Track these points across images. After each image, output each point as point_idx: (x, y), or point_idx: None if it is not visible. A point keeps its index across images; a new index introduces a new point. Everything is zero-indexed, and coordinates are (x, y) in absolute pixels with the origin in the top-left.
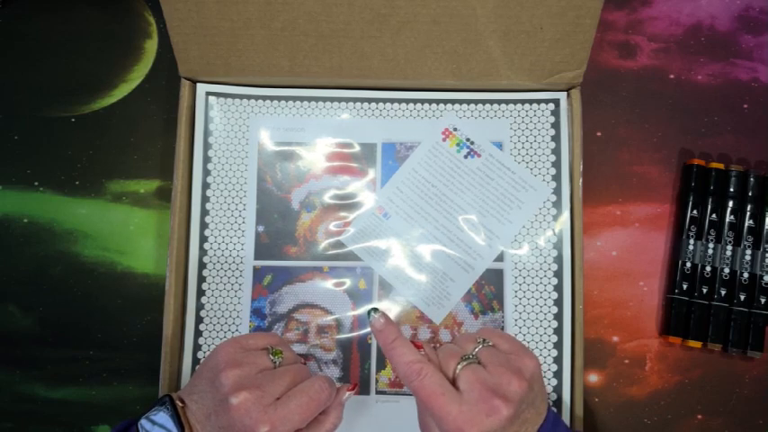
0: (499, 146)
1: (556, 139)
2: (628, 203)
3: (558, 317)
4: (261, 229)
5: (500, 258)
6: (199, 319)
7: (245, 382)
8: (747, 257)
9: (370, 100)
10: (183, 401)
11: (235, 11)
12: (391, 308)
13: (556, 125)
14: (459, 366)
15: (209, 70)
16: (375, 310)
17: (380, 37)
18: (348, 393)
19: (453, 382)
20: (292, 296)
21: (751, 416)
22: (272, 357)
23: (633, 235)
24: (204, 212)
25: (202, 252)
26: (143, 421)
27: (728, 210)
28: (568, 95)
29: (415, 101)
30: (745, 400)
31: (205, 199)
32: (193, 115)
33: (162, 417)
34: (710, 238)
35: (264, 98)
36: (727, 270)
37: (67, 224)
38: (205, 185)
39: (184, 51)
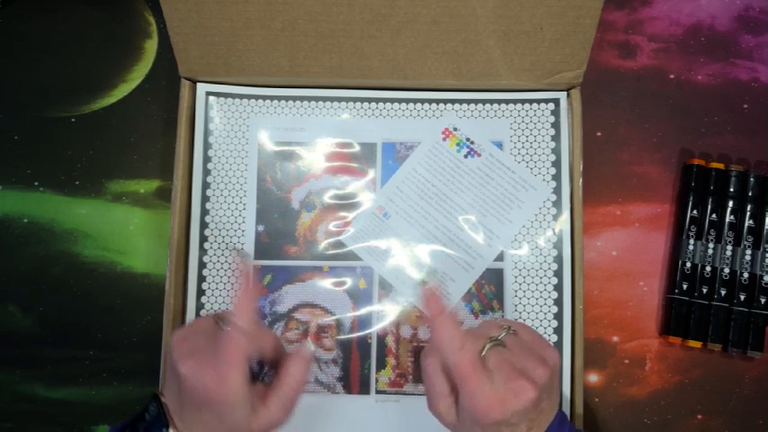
0: (499, 146)
1: (556, 138)
2: (628, 203)
3: (558, 317)
4: (261, 228)
5: (500, 258)
6: None
7: (190, 351)
8: (747, 257)
9: (370, 100)
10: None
11: (235, 11)
12: (391, 308)
13: (556, 125)
14: (487, 347)
15: (209, 70)
16: (425, 280)
17: (380, 37)
18: (307, 343)
19: None
20: (292, 296)
21: (751, 416)
22: (218, 324)
23: (633, 235)
24: (204, 212)
25: (202, 252)
26: (135, 425)
27: (728, 210)
28: (568, 95)
29: (415, 101)
30: (745, 400)
31: (205, 199)
32: (193, 115)
33: (149, 417)
34: (710, 238)
35: (264, 98)
36: (727, 270)
37: (67, 224)
38: (205, 185)
39: (184, 51)
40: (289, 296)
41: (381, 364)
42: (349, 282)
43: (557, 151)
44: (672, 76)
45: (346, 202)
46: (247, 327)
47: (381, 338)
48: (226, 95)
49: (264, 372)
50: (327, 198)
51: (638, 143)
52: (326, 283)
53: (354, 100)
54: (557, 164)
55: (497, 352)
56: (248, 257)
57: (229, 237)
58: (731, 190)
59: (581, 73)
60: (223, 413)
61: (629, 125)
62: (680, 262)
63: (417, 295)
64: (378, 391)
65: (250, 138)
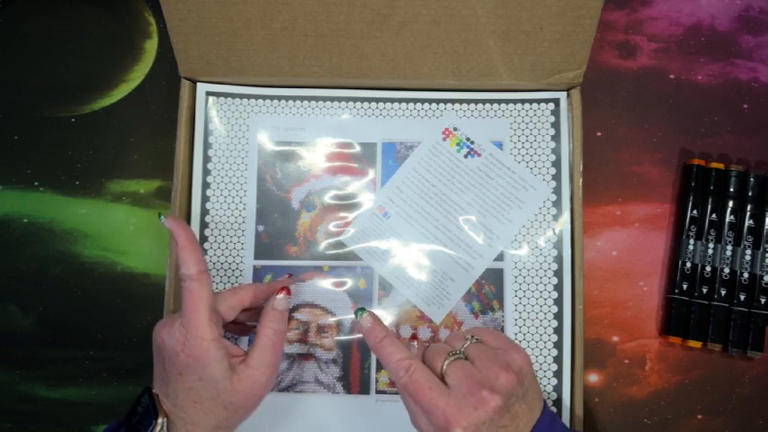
0: (499, 145)
1: (556, 138)
2: (628, 203)
3: (558, 317)
4: (261, 228)
5: (500, 258)
6: None
7: (164, 323)
8: (747, 257)
9: (370, 100)
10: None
11: (235, 11)
12: (391, 308)
13: (556, 125)
14: (447, 362)
15: (209, 70)
16: (362, 309)
17: (380, 37)
18: (281, 296)
19: (441, 379)
20: (292, 296)
21: (751, 416)
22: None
23: (633, 235)
24: (204, 212)
25: (202, 252)
26: (129, 420)
27: (728, 210)
28: (568, 95)
29: (415, 101)
30: (745, 400)
31: (205, 199)
32: (193, 115)
33: (141, 409)
34: (710, 238)
35: (264, 98)
36: (727, 270)
37: (67, 224)
38: (205, 185)
39: (184, 51)
40: None
41: (381, 365)
42: (349, 282)
43: (557, 151)
44: (672, 76)
45: (346, 203)
46: (196, 275)
47: None
48: (226, 95)
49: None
50: (327, 198)
51: (638, 143)
52: (326, 283)
53: (354, 100)
54: (557, 164)
55: (457, 366)
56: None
57: (229, 237)
58: (731, 190)
59: (581, 73)
60: (202, 370)
61: (629, 125)
62: (680, 262)
63: (356, 327)
64: (378, 391)
65: (250, 138)
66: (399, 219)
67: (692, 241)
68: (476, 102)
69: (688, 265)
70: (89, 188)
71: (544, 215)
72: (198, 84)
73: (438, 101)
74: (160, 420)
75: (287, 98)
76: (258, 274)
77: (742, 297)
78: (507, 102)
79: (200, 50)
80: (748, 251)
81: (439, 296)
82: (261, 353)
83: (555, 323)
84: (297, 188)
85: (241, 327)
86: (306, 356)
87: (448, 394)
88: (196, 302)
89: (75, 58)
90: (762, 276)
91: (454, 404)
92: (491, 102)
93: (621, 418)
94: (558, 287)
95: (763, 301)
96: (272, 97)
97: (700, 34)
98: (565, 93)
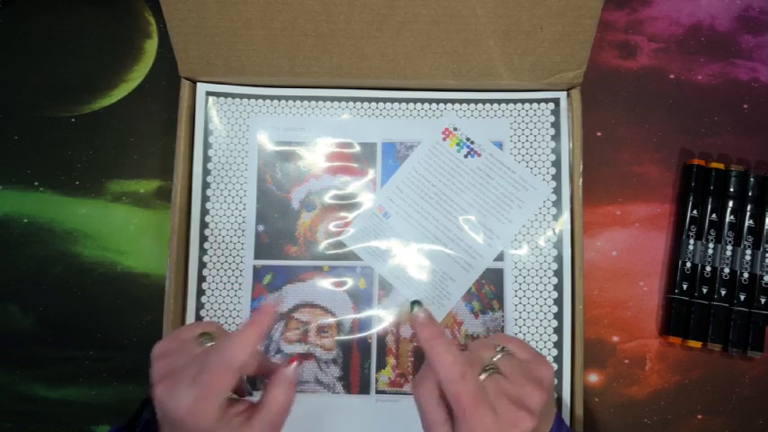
0: (499, 145)
1: (556, 138)
2: (628, 203)
3: (558, 316)
4: (261, 228)
5: (500, 258)
6: (199, 319)
7: (166, 372)
8: (747, 257)
9: (370, 100)
10: None
11: (235, 11)
12: (391, 308)
13: (556, 125)
14: (483, 376)
15: (209, 70)
16: (418, 303)
17: (380, 37)
18: (292, 366)
19: None
20: (292, 296)
21: (751, 416)
22: (202, 341)
23: (633, 235)
24: (204, 212)
25: (202, 252)
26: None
27: (728, 210)
28: (568, 95)
29: (415, 100)
30: (745, 400)
31: (205, 199)
32: (193, 115)
33: (144, 421)
34: (710, 238)
35: (264, 98)
36: (727, 270)
37: (67, 224)
38: (205, 185)
39: (184, 51)
40: (289, 296)
41: (381, 364)
42: (349, 282)
43: (557, 151)
44: (672, 76)
45: (346, 202)
46: (242, 362)
47: (381, 338)
48: (226, 95)
49: (255, 385)
50: (327, 198)
51: (638, 143)
52: (326, 283)
53: (354, 100)
54: (557, 164)
55: (494, 380)
56: (280, 301)
57: (229, 237)
58: (731, 190)
59: (581, 73)
60: None
61: (629, 125)
62: (680, 262)
63: (409, 319)
64: (378, 391)
65: (250, 138)
66: (399, 219)
67: (691, 241)
68: (476, 102)
69: (688, 265)
70: (89, 188)
71: (544, 215)
72: (198, 84)
73: (438, 101)
74: None
75: (287, 98)
76: (258, 273)
77: (742, 297)
78: (507, 102)
79: (200, 50)
80: (748, 251)
81: (439, 296)
82: (265, 420)
83: (555, 323)
84: (297, 188)
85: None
86: (306, 356)
87: (493, 413)
88: (221, 385)
89: (76, 58)
90: (762, 276)
91: (496, 425)
92: (491, 102)
93: (621, 418)
94: (558, 287)
95: (763, 301)
96: (272, 97)
97: (700, 34)
98: (565, 93)
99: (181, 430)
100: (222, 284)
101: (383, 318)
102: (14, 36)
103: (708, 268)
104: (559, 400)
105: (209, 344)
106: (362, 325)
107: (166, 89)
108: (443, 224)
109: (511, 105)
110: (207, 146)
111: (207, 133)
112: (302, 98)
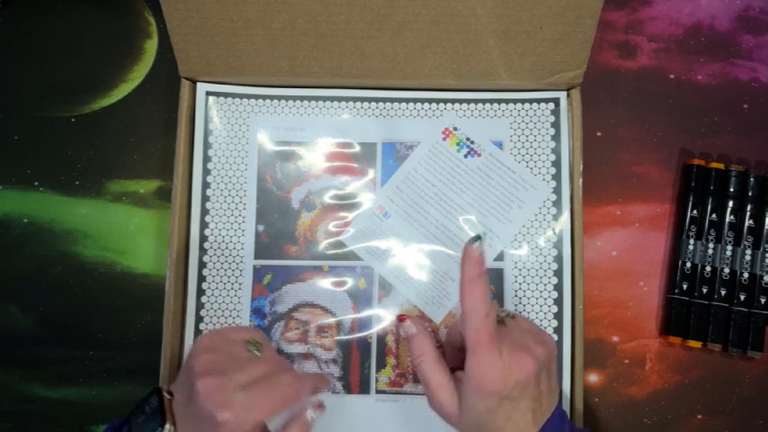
0: (499, 145)
1: (556, 138)
2: (628, 203)
3: (558, 316)
4: (261, 228)
5: (500, 258)
6: (199, 319)
7: (213, 368)
8: (747, 257)
9: (370, 100)
10: (171, 393)
11: (235, 11)
12: (391, 307)
13: (556, 125)
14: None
15: (209, 70)
16: (480, 239)
17: (380, 37)
18: (311, 411)
19: None
20: (292, 295)
21: (751, 416)
22: (249, 347)
23: (633, 235)
24: (204, 212)
25: (202, 252)
26: (133, 418)
27: (728, 210)
28: (568, 95)
29: (415, 100)
30: (745, 400)
31: (205, 199)
32: (193, 115)
33: (149, 409)
34: (710, 238)
35: (264, 98)
36: (727, 270)
37: (67, 224)
38: (205, 185)
39: (184, 51)
40: (289, 296)
41: (381, 364)
42: (349, 282)
43: (557, 151)
44: (672, 76)
45: (346, 202)
46: (300, 400)
47: (381, 338)
48: (226, 95)
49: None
50: (327, 198)
51: (638, 143)
52: (326, 282)
53: (354, 100)
54: (557, 164)
55: (500, 329)
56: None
57: (229, 237)
58: (731, 190)
59: (581, 73)
60: None
61: (629, 125)
62: (680, 262)
63: (465, 250)
64: (378, 391)
65: (250, 138)
66: (399, 218)
67: (691, 241)
68: (476, 102)
69: (688, 265)
70: (89, 188)
71: (544, 215)
72: (198, 84)
73: (438, 101)
74: (168, 427)
75: (287, 98)
76: (258, 273)
77: (742, 297)
78: (507, 102)
79: (200, 50)
80: (748, 251)
81: (439, 296)
82: None
83: (555, 323)
84: (297, 188)
85: None
86: (306, 356)
87: (500, 352)
88: (279, 403)
89: (76, 58)
90: (762, 276)
91: (503, 362)
92: (491, 102)
93: (621, 418)
94: (558, 287)
95: (763, 301)
96: (272, 97)
97: (700, 34)
98: (565, 93)
99: (209, 428)
100: (222, 284)
101: (383, 318)
102: (14, 36)
103: (708, 268)
104: (560, 397)
105: (254, 351)
106: (362, 325)
107: (166, 89)
108: (443, 224)
109: (511, 105)
110: (207, 146)
111: (207, 133)
112: (302, 98)
